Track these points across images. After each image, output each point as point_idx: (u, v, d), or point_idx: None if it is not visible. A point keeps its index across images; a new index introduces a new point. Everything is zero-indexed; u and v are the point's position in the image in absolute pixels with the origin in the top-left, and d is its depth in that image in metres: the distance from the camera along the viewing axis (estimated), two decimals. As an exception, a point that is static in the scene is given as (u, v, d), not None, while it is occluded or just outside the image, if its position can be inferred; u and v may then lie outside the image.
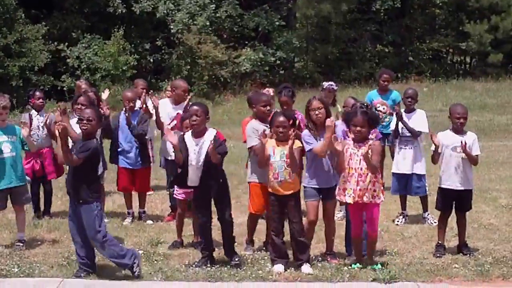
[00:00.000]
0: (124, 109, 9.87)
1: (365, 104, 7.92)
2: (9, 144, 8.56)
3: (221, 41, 28.74)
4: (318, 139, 7.56)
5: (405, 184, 9.76)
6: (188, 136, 7.61)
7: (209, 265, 7.50)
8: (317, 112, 7.61)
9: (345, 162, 7.37)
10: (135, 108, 9.94)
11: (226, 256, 7.70)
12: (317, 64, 29.94)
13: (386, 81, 11.19)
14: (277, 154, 7.43)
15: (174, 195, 8.93)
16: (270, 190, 7.57)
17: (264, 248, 8.36)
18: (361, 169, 7.30)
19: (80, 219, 7.21)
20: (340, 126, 8.10)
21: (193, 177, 7.48)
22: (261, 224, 8.58)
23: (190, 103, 8.89)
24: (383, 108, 10.81)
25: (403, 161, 9.68)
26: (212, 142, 7.24)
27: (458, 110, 8.08)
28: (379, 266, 7.47)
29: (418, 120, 9.74)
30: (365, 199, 7.33)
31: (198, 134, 7.50)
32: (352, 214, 7.66)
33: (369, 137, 7.50)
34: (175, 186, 8.67)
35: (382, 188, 7.50)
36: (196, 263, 7.62)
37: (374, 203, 7.41)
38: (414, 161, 9.66)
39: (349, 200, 7.38)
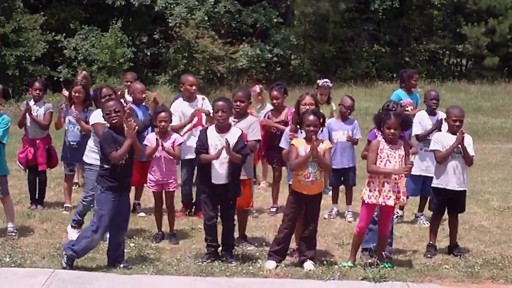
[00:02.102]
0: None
1: (399, 103, 7.97)
2: None
3: (218, 36, 28.72)
4: (300, 132, 7.61)
5: (421, 185, 9.66)
6: (211, 130, 7.61)
7: (215, 261, 7.50)
8: (307, 107, 7.72)
9: (380, 163, 7.33)
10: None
11: (224, 256, 7.65)
12: (314, 62, 29.97)
13: (417, 81, 10.91)
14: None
15: (148, 187, 8.96)
16: (296, 189, 7.47)
17: (238, 242, 8.32)
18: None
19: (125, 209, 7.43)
20: (335, 123, 8.14)
21: (219, 174, 7.47)
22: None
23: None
24: (410, 109, 10.62)
25: (424, 162, 9.51)
26: (226, 142, 7.28)
27: (455, 113, 8.10)
28: (390, 264, 7.49)
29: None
30: (401, 200, 7.40)
31: (223, 129, 7.51)
32: (369, 213, 7.56)
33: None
34: (148, 178, 8.73)
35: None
36: (201, 259, 7.61)
37: (396, 204, 7.48)
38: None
39: (390, 202, 7.32)
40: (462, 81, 29.46)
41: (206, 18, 28.35)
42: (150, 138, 8.66)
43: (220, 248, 7.74)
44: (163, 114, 8.60)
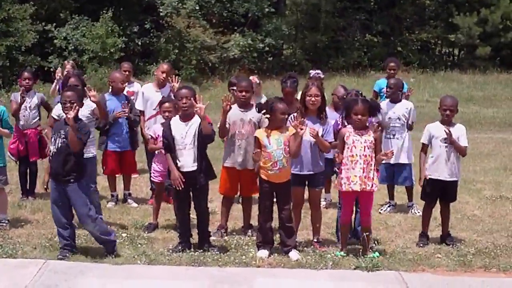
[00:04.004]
0: (110, 91, 9.90)
1: (360, 92, 8.07)
2: None
3: (210, 25, 28.62)
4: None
5: (392, 174, 9.80)
6: (175, 120, 7.60)
7: (186, 251, 7.49)
8: (313, 99, 7.71)
9: (347, 150, 7.40)
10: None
11: (199, 247, 7.60)
12: (306, 52, 29.91)
13: (392, 69, 11.08)
14: (273, 143, 7.39)
15: (151, 178, 8.96)
16: (264, 178, 7.51)
17: (245, 232, 8.41)
18: (365, 156, 7.34)
19: (66, 200, 7.22)
20: (328, 112, 8.13)
21: (187, 161, 7.44)
22: (238, 211, 8.68)
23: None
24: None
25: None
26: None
27: (445, 102, 8.11)
28: (377, 254, 7.49)
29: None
30: (367, 187, 7.37)
31: (187, 117, 7.48)
32: (346, 201, 7.66)
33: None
34: (152, 168, 8.72)
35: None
36: (173, 248, 7.63)
37: (371, 191, 7.46)
38: (400, 151, 9.69)
39: (357, 187, 7.37)
40: (454, 71, 29.47)
41: (197, 8, 28.23)
42: (156, 130, 8.61)
43: (198, 238, 7.74)
44: (167, 104, 8.53)
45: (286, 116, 7.50)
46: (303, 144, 7.51)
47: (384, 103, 9.86)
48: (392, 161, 9.62)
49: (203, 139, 7.40)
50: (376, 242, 8.03)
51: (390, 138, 9.74)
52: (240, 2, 29.48)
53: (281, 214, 7.57)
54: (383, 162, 9.57)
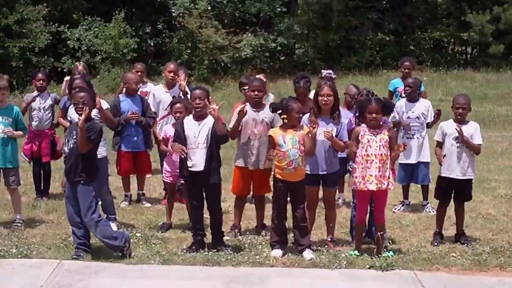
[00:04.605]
0: (123, 92, 9.93)
1: (371, 91, 8.07)
2: (1, 125, 8.54)
3: (222, 26, 28.62)
4: (319, 120, 7.62)
5: (411, 173, 9.76)
6: (188, 119, 7.61)
7: (200, 251, 7.50)
8: (325, 99, 7.69)
9: (362, 149, 7.39)
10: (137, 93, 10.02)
11: (213, 247, 7.62)
12: (318, 51, 29.83)
13: (407, 68, 11.05)
14: (288, 142, 7.39)
15: (164, 179, 8.97)
16: (279, 176, 7.51)
17: (258, 232, 8.41)
18: (381, 155, 7.33)
19: (77, 200, 7.24)
20: (342, 112, 8.12)
21: (197, 161, 7.45)
22: (251, 210, 8.68)
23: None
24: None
25: (409, 150, 9.58)
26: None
27: (458, 101, 8.10)
28: (391, 253, 7.47)
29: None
30: (383, 186, 7.35)
31: (200, 117, 7.49)
32: (360, 201, 7.64)
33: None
34: (164, 169, 8.74)
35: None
36: (187, 248, 7.64)
37: (386, 190, 7.45)
38: (420, 150, 9.66)
39: (373, 187, 7.36)
40: (467, 69, 29.30)
41: (209, 8, 28.24)
42: (167, 131, 8.63)
43: (212, 238, 7.75)
44: (178, 105, 8.55)
45: (301, 115, 7.49)
46: (317, 144, 7.51)
47: (402, 103, 9.82)
48: (413, 160, 9.59)
49: (217, 140, 7.42)
50: (390, 241, 8.01)
51: (410, 138, 9.68)
52: (252, 2, 29.46)
53: (295, 213, 7.56)
54: (402, 162, 9.59)
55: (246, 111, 7.82)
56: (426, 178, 9.77)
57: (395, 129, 9.38)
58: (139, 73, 11.03)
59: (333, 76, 10.38)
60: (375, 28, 30.97)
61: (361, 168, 7.40)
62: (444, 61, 30.43)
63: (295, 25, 29.59)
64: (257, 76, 9.72)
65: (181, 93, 9.95)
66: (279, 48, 29.24)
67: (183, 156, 7.38)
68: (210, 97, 7.55)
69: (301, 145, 7.37)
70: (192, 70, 25.83)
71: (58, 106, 10.04)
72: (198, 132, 7.44)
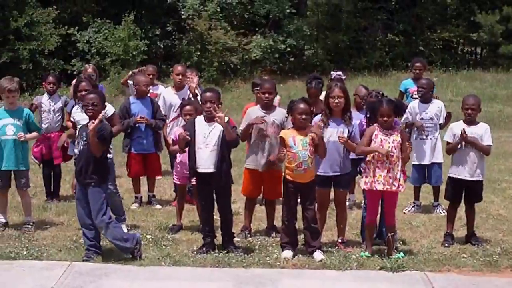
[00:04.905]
0: (135, 94, 9.95)
1: (381, 92, 8.07)
2: (13, 127, 8.59)
3: (231, 27, 28.62)
4: (328, 123, 7.64)
5: (424, 175, 9.76)
6: (199, 119, 7.62)
7: (211, 252, 7.51)
8: (336, 100, 7.66)
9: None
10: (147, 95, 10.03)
11: (224, 249, 7.63)
12: (327, 52, 29.80)
13: (418, 69, 11.05)
14: (299, 144, 7.39)
15: (173, 180, 8.98)
16: (289, 178, 7.50)
17: (268, 233, 8.41)
18: (392, 156, 7.31)
19: (88, 202, 7.26)
20: (353, 114, 8.11)
21: (206, 162, 7.46)
22: (261, 212, 8.69)
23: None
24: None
25: (423, 152, 9.64)
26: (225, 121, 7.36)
27: (467, 101, 8.09)
28: (402, 254, 7.45)
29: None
30: (393, 187, 7.34)
31: (211, 119, 7.50)
32: (371, 201, 7.64)
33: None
34: (173, 171, 8.76)
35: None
36: (197, 250, 7.64)
37: (396, 191, 7.42)
38: (433, 151, 9.64)
39: (380, 187, 7.36)
40: (477, 70, 29.21)
41: (218, 10, 28.24)
42: (177, 133, 8.63)
43: (222, 239, 7.77)
44: (188, 107, 8.55)
45: (306, 116, 7.45)
46: (329, 146, 7.51)
47: (415, 104, 9.79)
48: (426, 161, 9.57)
49: (228, 144, 7.44)
50: (401, 242, 7.99)
51: (423, 139, 9.67)
52: (261, 3, 29.45)
53: (305, 215, 7.55)
54: (416, 163, 9.57)
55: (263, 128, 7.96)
56: (439, 179, 9.74)
57: (407, 130, 9.37)
58: (151, 76, 11.05)
59: (343, 77, 10.38)
60: (385, 29, 30.93)
61: (371, 167, 7.40)
62: (453, 62, 30.34)
63: (304, 26, 29.56)
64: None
65: (191, 95, 9.97)
66: (288, 49, 29.22)
67: (188, 139, 7.39)
68: (220, 99, 7.58)
69: (311, 147, 7.37)
70: (201, 72, 25.86)
71: (66, 108, 10.07)
72: (208, 133, 7.46)
